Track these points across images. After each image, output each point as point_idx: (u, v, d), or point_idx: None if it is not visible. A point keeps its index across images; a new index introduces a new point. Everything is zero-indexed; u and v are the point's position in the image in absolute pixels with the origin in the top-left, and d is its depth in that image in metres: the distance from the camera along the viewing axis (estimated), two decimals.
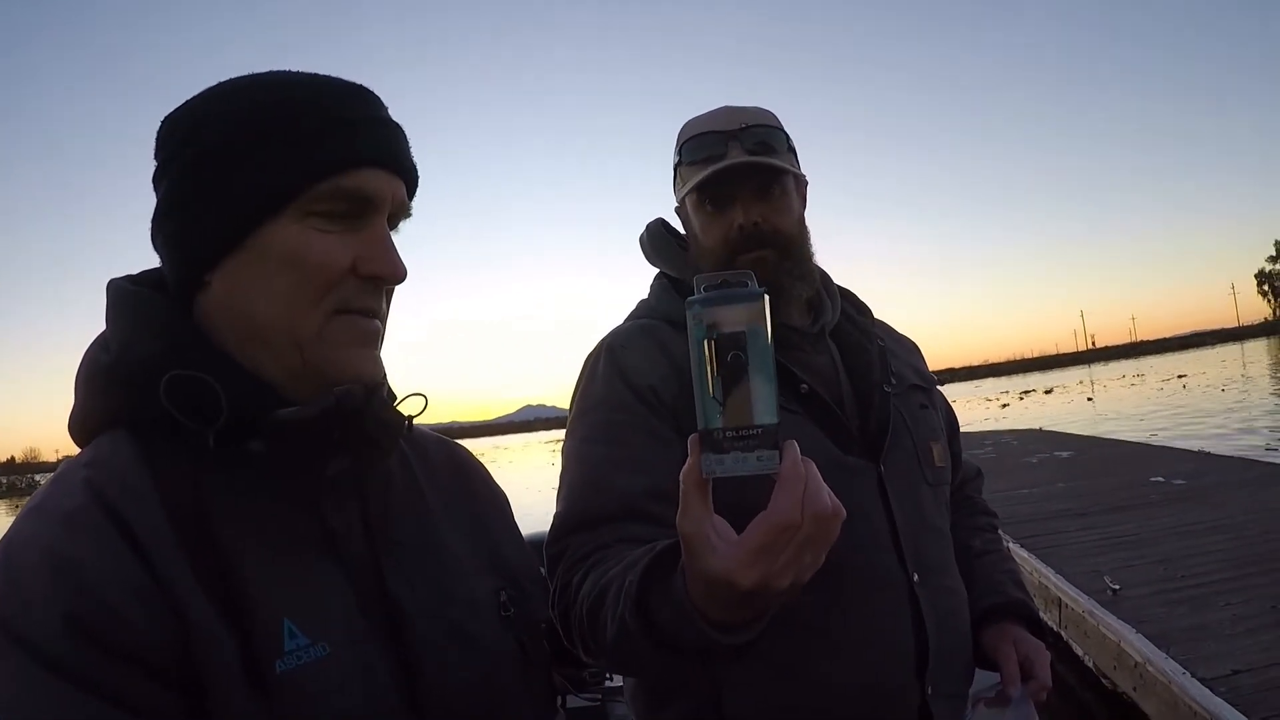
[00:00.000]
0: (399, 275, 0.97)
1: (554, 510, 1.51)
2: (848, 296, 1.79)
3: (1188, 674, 3.99)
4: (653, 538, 1.33)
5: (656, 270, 1.77)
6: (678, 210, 1.73)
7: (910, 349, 1.86)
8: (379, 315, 0.99)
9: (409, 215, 1.02)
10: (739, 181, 1.56)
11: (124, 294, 0.99)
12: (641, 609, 1.11)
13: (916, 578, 1.50)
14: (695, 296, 0.88)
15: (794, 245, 1.61)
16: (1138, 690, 4.33)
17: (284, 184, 0.92)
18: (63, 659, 0.77)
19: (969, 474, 1.94)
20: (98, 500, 0.85)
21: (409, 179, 1.01)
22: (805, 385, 1.53)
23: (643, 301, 1.76)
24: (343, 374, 0.95)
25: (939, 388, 1.85)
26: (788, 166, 1.59)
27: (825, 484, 0.91)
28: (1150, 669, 4.20)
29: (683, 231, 1.75)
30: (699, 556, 0.94)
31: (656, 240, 1.77)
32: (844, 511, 0.92)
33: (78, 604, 0.79)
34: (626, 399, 1.52)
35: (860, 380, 1.63)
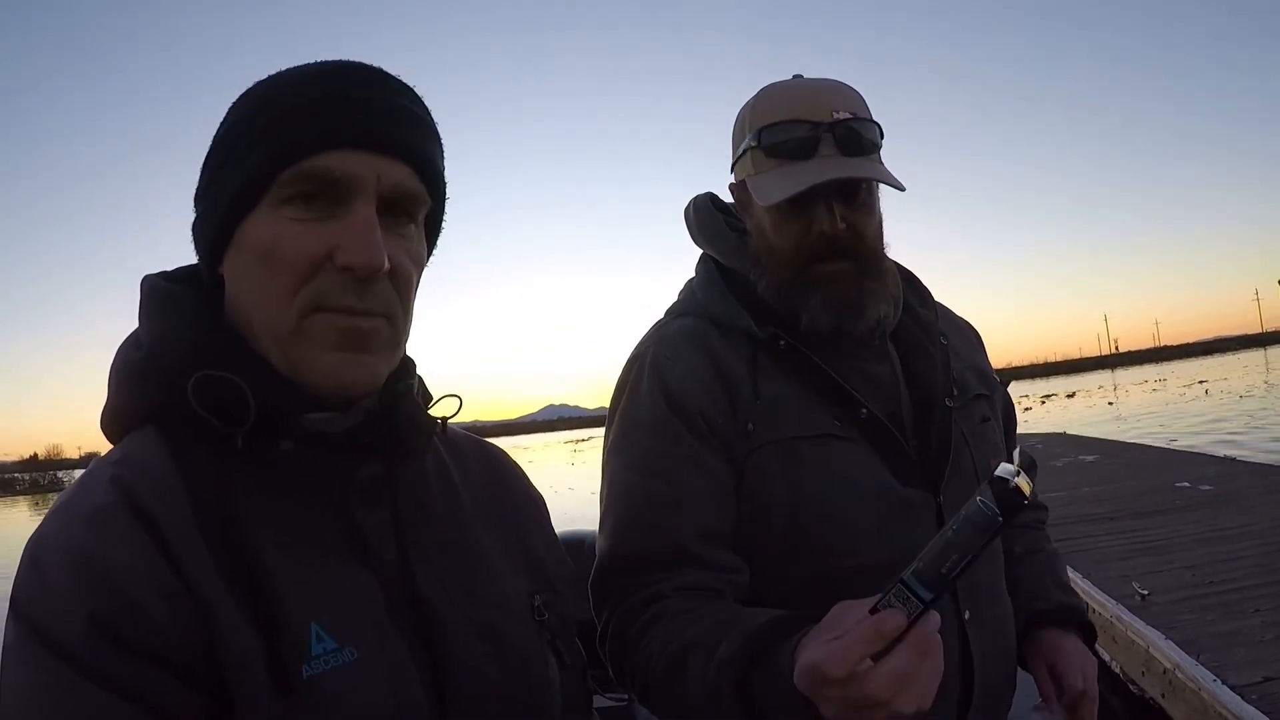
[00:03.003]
0: (372, 265, 0.87)
1: (600, 542, 1.46)
2: (908, 280, 1.64)
3: (1218, 680, 3.93)
4: (706, 583, 1.34)
5: (700, 252, 1.64)
6: (733, 188, 1.57)
7: (971, 341, 1.74)
8: (373, 312, 0.91)
9: (427, 204, 0.96)
10: (826, 182, 1.39)
11: (157, 291, 0.98)
12: (742, 684, 1.12)
13: (968, 615, 1.42)
14: (997, 511, 0.93)
15: (874, 256, 1.47)
16: (1166, 696, 4.27)
17: (256, 173, 0.90)
18: (88, 659, 0.77)
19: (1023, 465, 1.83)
20: (125, 499, 0.84)
21: (408, 159, 0.93)
22: (865, 410, 1.43)
23: (688, 289, 1.63)
24: (324, 379, 0.90)
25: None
26: (889, 179, 1.42)
27: (915, 680, 0.92)
28: (1180, 675, 4.14)
29: (729, 205, 1.62)
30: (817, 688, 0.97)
31: (704, 218, 1.62)
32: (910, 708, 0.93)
33: (103, 604, 0.78)
34: (674, 426, 1.42)
35: (921, 393, 1.51)
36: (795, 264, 1.44)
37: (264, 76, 0.97)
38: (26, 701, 0.77)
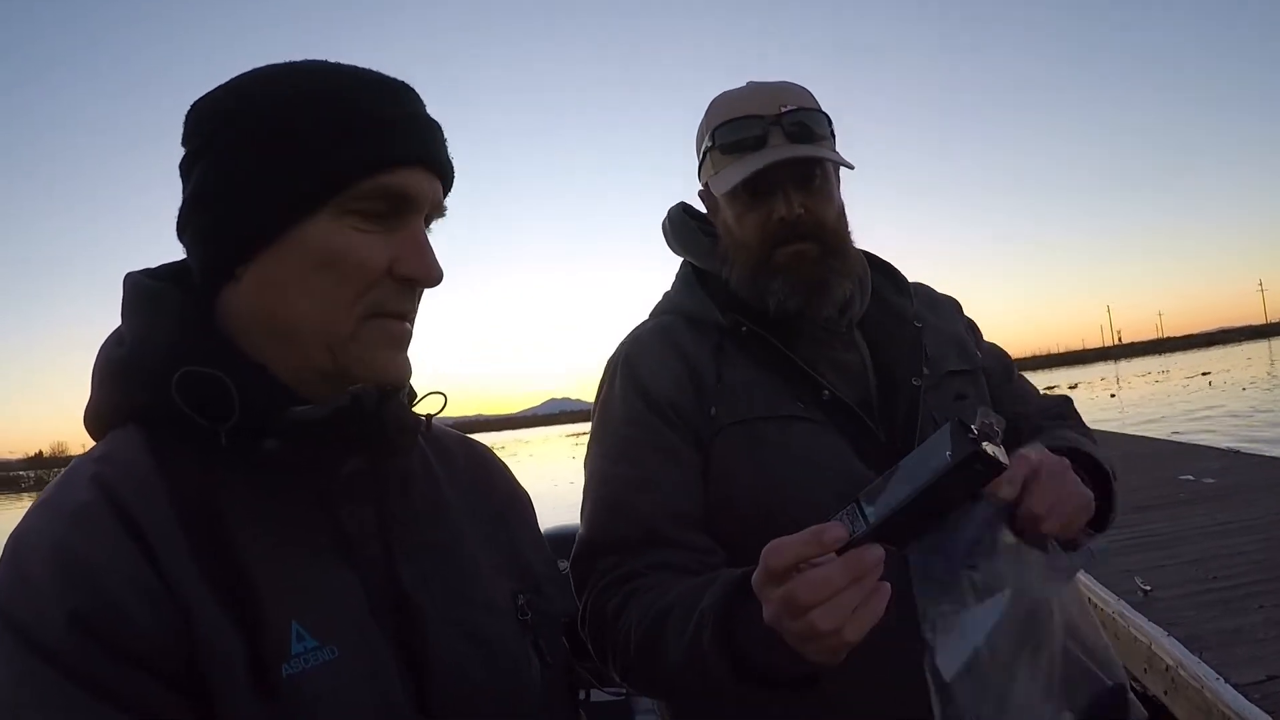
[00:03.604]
0: (435, 278, 0.96)
1: (579, 529, 1.49)
2: (881, 269, 1.68)
3: (1221, 679, 3.92)
4: (680, 561, 1.36)
5: (682, 259, 1.69)
6: (701, 194, 1.64)
7: (952, 315, 1.72)
8: (410, 318, 0.98)
9: (443, 214, 1.01)
10: (779, 170, 1.46)
11: (140, 288, 0.98)
12: (723, 632, 1.13)
13: None
14: (949, 447, 0.93)
15: (835, 237, 1.51)
16: (1169, 694, 4.26)
17: (327, 179, 0.90)
18: (67, 657, 0.77)
19: (1046, 405, 1.70)
20: (106, 497, 0.84)
21: (445, 178, 0.99)
22: (827, 392, 1.45)
23: (666, 293, 1.69)
24: (373, 376, 0.94)
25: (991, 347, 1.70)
26: (835, 157, 1.50)
27: (829, 595, 0.95)
28: (1183, 673, 4.13)
29: (704, 214, 1.68)
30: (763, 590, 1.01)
31: (678, 227, 1.69)
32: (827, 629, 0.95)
33: (85, 602, 0.78)
34: (645, 416, 1.48)
35: (889, 376, 1.53)
36: (760, 253, 1.49)
37: (280, 64, 0.96)
38: (5, 698, 0.77)
